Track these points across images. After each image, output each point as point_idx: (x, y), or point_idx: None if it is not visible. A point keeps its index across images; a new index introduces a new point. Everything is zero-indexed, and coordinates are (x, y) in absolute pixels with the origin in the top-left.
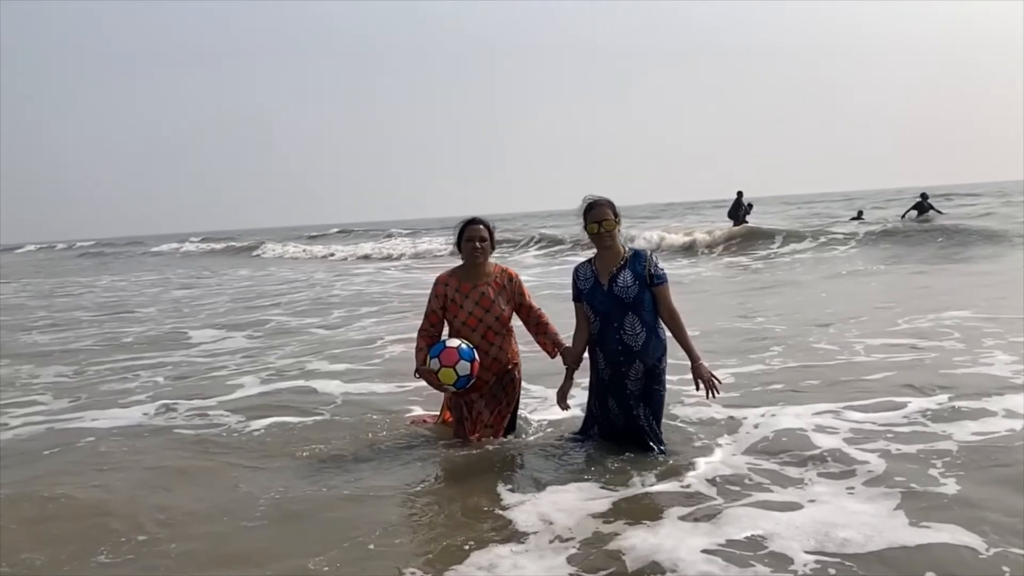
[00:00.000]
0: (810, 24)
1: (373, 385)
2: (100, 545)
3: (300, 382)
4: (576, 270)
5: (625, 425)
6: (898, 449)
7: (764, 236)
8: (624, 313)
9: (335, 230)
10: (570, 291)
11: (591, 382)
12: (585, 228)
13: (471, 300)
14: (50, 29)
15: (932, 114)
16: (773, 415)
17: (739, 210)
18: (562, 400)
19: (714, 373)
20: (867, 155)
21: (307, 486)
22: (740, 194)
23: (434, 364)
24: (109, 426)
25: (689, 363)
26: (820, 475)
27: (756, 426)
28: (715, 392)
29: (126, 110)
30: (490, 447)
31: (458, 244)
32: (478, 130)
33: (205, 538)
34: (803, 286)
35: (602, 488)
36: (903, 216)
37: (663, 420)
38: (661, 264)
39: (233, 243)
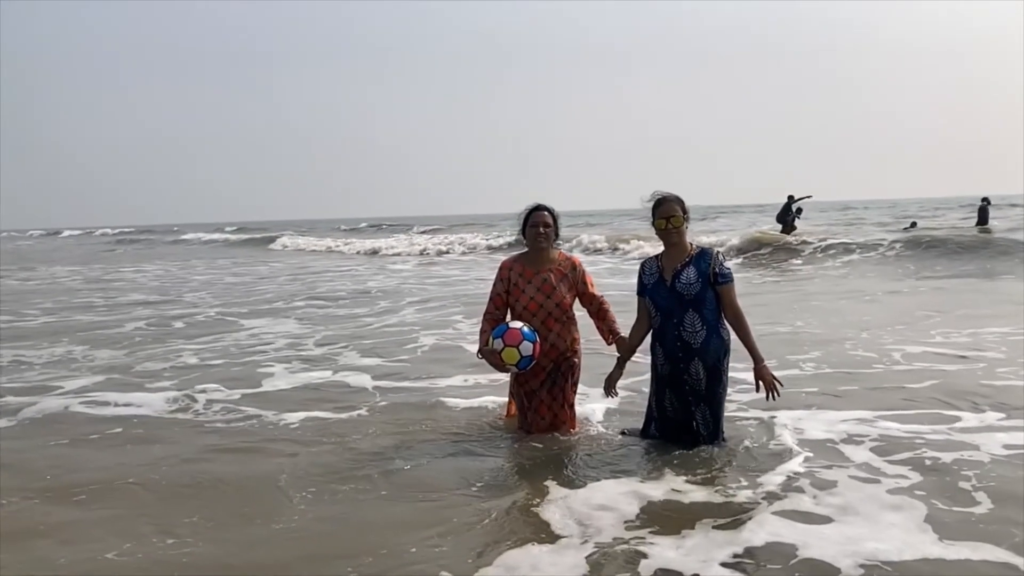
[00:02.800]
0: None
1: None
2: (126, 540)
3: (335, 375)
4: (643, 265)
5: (683, 420)
6: (932, 461)
7: (808, 244)
8: (685, 310)
9: (364, 224)
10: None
11: (651, 378)
12: (653, 223)
13: (533, 285)
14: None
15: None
16: (808, 421)
17: (787, 215)
18: (609, 387)
19: (776, 376)
20: (900, 161)
21: (342, 484)
22: (791, 198)
23: (497, 344)
24: (137, 413)
25: (752, 364)
26: (852, 485)
27: (790, 432)
28: (776, 394)
29: (160, 110)
30: (539, 444)
31: (523, 230)
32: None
33: (236, 542)
34: (843, 294)
35: (642, 489)
36: (976, 223)
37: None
38: (728, 264)
39: (262, 233)
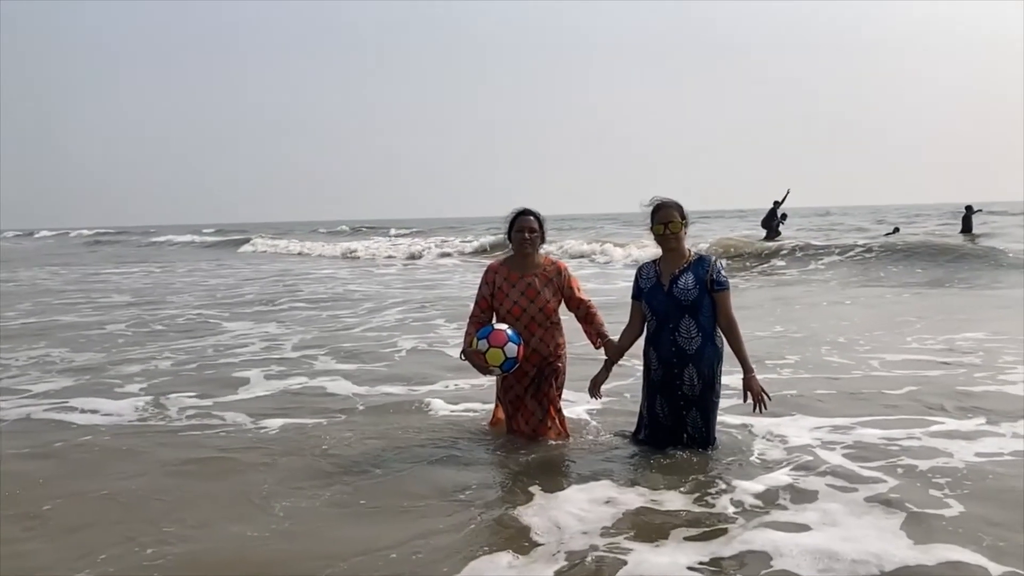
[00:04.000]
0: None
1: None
2: (102, 551)
3: (313, 380)
4: (640, 269)
5: (674, 426)
6: (907, 467)
7: (785, 249)
8: (681, 315)
9: (343, 227)
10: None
11: (643, 384)
12: (651, 228)
13: (517, 289)
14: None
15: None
16: (787, 427)
17: (772, 220)
18: (594, 389)
19: (764, 388)
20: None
21: (321, 492)
22: (776, 204)
23: (482, 345)
24: (105, 422)
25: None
26: (829, 492)
27: (769, 438)
28: (763, 407)
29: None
30: (523, 450)
31: (509, 234)
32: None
33: (212, 552)
34: (819, 300)
35: (621, 496)
36: (961, 231)
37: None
38: (725, 271)
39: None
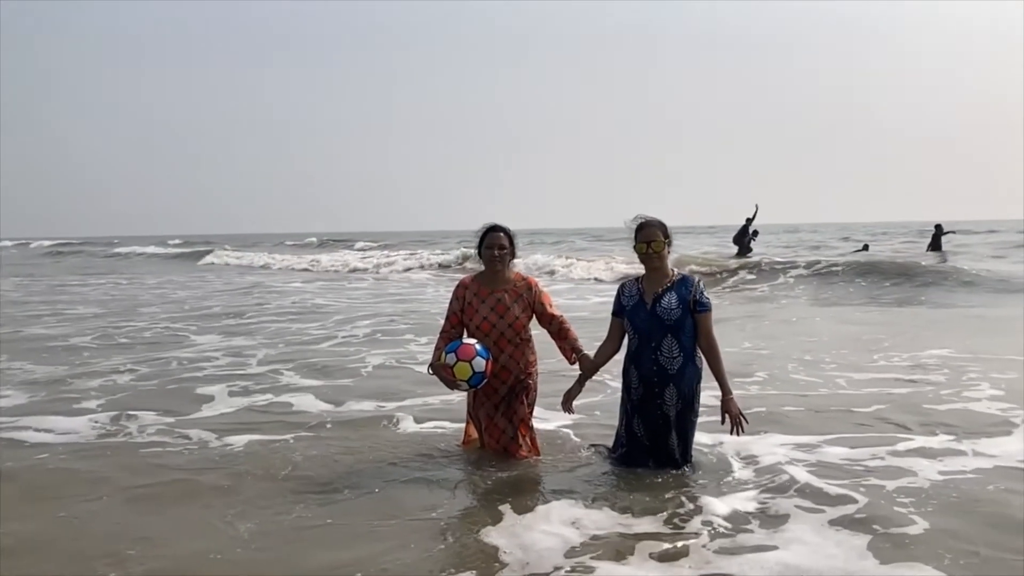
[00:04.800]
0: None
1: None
2: None
3: (279, 397)
4: (622, 286)
5: (651, 445)
6: (873, 486)
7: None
8: (664, 335)
9: (312, 239)
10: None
11: (621, 402)
12: (634, 247)
13: (487, 305)
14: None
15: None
16: (755, 445)
17: (744, 237)
18: (567, 403)
19: (743, 411)
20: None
21: (287, 514)
22: (748, 221)
23: (450, 359)
24: (61, 441)
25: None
26: (796, 513)
27: (737, 457)
28: (741, 430)
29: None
30: (493, 468)
31: (479, 250)
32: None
33: (176, 574)
34: (787, 316)
35: (589, 516)
36: (927, 250)
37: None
38: (707, 293)
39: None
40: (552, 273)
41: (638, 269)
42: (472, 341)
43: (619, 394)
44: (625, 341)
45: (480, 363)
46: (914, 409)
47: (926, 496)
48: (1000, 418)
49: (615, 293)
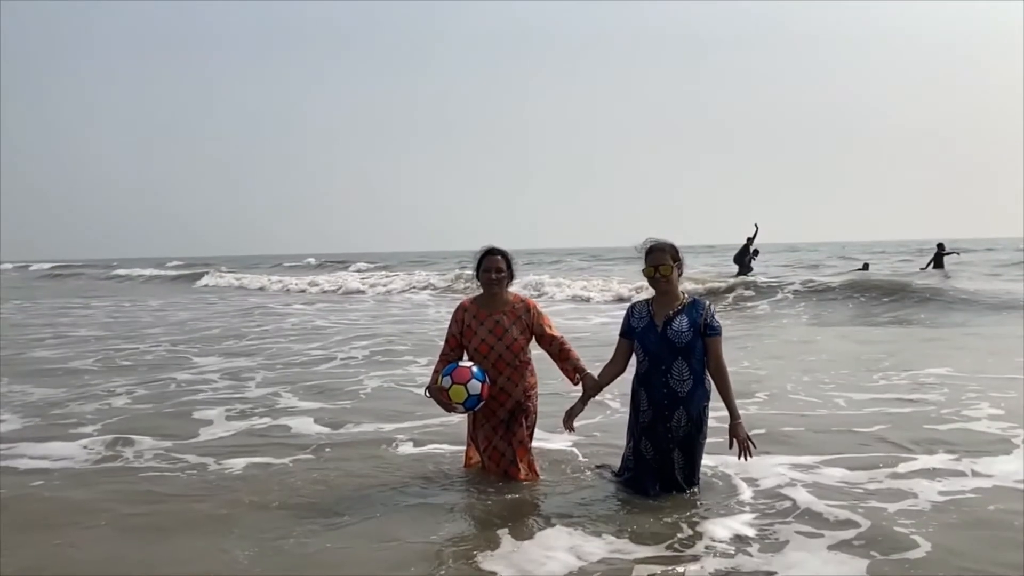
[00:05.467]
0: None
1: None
2: None
3: (278, 420)
4: (632, 307)
5: (659, 467)
6: (873, 509)
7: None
8: (674, 358)
9: (310, 260)
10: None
11: (629, 425)
12: (643, 271)
13: (485, 327)
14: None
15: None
16: (755, 467)
17: (745, 256)
18: (569, 421)
19: (750, 435)
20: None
21: (287, 537)
22: (749, 240)
23: (445, 382)
24: (57, 467)
25: (729, 419)
26: (796, 539)
27: (738, 479)
28: (749, 454)
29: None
30: (493, 492)
31: (477, 273)
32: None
33: None
34: (788, 336)
35: (588, 543)
36: (924, 268)
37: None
38: (718, 317)
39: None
40: (541, 295)
41: (632, 288)
42: (468, 363)
43: (618, 415)
44: (632, 363)
45: (476, 385)
46: (914, 429)
47: (927, 518)
48: (999, 437)
49: (624, 314)
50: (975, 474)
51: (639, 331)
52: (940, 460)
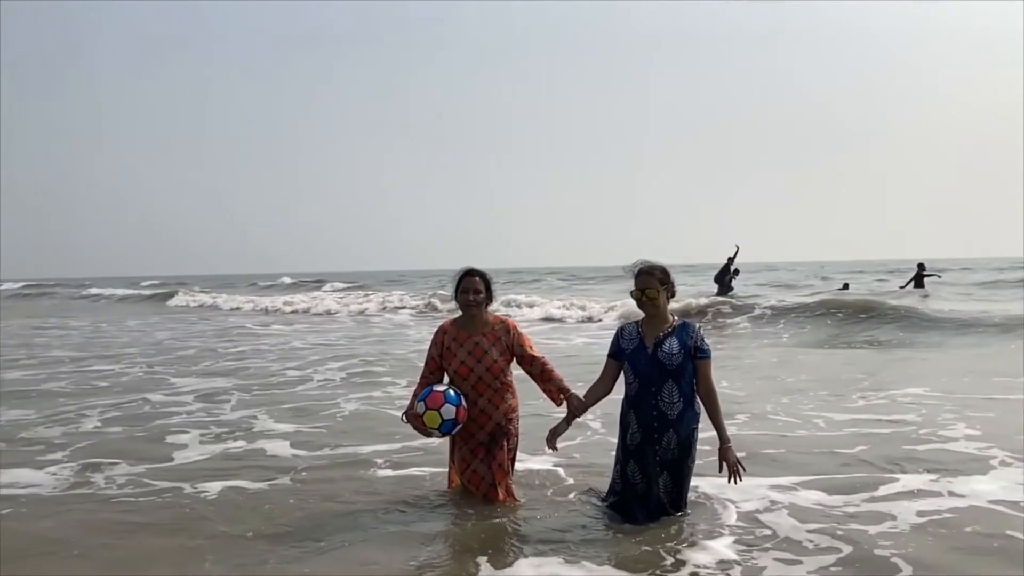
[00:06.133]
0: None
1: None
2: None
3: (253, 443)
4: (622, 328)
5: (646, 490)
6: (853, 531)
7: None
8: (664, 379)
9: (285, 279)
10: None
11: (618, 448)
12: (631, 293)
13: (464, 349)
14: None
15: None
16: (735, 490)
17: (725, 275)
18: (552, 440)
19: (740, 459)
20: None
21: (263, 563)
22: (729, 260)
23: (419, 407)
24: (24, 494)
25: (718, 442)
26: (775, 567)
27: (719, 502)
28: (739, 478)
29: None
30: (472, 515)
31: (455, 295)
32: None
33: None
34: (767, 356)
35: (564, 572)
36: (903, 287)
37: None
38: (707, 340)
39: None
40: (516, 311)
41: (606, 308)
42: (442, 388)
43: (599, 436)
44: (621, 385)
45: (450, 410)
46: (893, 449)
47: (906, 539)
48: (975, 456)
49: (614, 335)
50: (953, 494)
51: (629, 352)
52: (919, 481)
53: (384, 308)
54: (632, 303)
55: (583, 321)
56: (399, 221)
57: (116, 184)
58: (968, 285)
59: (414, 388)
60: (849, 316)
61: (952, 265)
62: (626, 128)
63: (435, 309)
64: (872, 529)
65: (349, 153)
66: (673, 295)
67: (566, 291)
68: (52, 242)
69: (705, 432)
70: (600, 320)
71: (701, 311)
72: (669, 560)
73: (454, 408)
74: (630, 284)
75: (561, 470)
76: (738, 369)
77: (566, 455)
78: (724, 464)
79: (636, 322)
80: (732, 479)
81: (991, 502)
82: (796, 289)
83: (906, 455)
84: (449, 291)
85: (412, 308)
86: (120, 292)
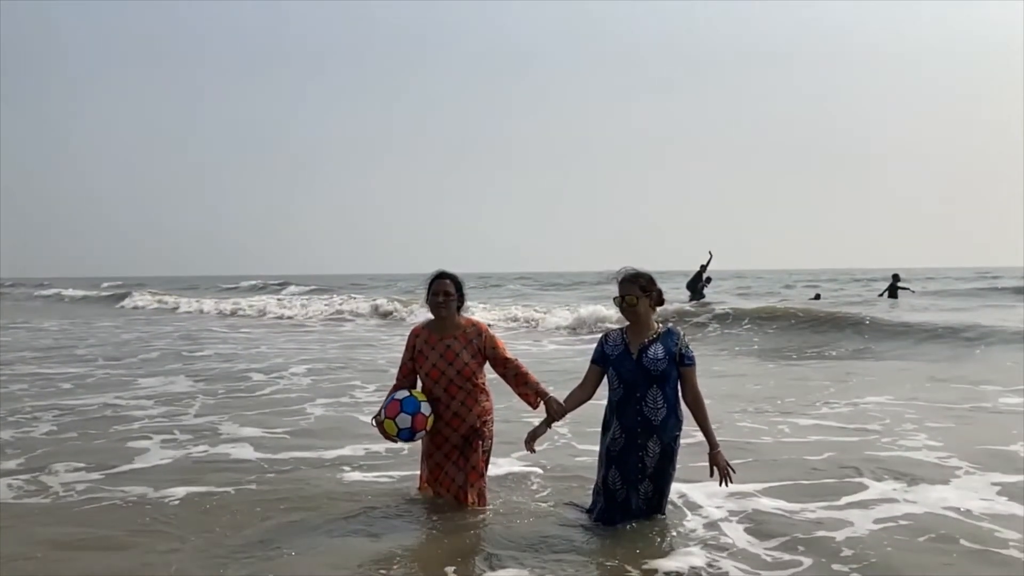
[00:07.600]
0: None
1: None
2: None
3: (216, 448)
4: (606, 335)
5: (627, 497)
6: (815, 539)
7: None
8: (649, 385)
9: (250, 282)
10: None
11: (600, 456)
12: (614, 299)
13: (436, 352)
14: None
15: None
16: (699, 496)
17: (698, 282)
18: (530, 442)
19: (730, 462)
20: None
21: (227, 570)
22: (702, 267)
23: (381, 415)
24: None
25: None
26: (736, 568)
27: (686, 510)
28: (729, 481)
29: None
30: (441, 522)
31: (427, 297)
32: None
33: None
34: (735, 365)
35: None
36: (880, 295)
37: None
38: (692, 347)
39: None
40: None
41: (574, 316)
42: (401, 396)
43: (574, 441)
44: (604, 391)
45: (405, 419)
46: (856, 458)
47: (866, 546)
48: (935, 464)
49: (598, 341)
50: (912, 502)
51: (614, 358)
52: (880, 489)
53: (352, 312)
54: (597, 309)
55: (553, 329)
56: (369, 226)
57: (79, 185)
58: (937, 295)
59: (386, 392)
60: (818, 325)
61: (916, 275)
62: (594, 142)
63: (387, 315)
64: (837, 535)
65: (340, 162)
66: (660, 303)
67: (536, 298)
68: (9, 241)
69: (684, 439)
70: (556, 327)
71: (668, 318)
72: (633, 572)
73: (410, 417)
74: (604, 290)
75: (534, 476)
76: (705, 375)
77: (533, 460)
78: (715, 468)
79: (621, 328)
80: (723, 482)
81: (946, 508)
82: (766, 297)
83: (869, 463)
84: (421, 294)
85: (372, 312)
86: (78, 292)
